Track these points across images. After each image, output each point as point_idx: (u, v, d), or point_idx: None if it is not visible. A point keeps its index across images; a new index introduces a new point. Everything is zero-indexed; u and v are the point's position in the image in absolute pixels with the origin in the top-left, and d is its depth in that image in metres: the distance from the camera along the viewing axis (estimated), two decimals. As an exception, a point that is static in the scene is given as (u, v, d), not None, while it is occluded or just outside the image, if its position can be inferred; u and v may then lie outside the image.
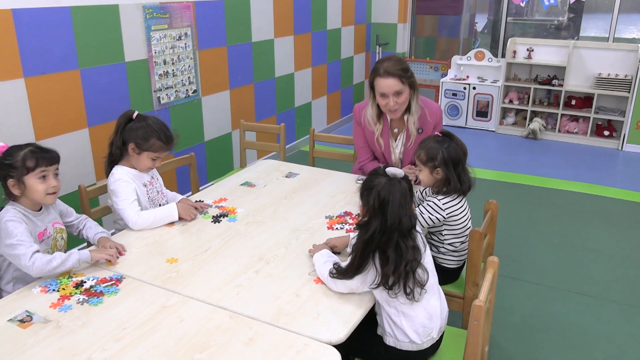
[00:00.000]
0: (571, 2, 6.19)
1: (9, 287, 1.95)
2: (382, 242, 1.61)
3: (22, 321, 1.61)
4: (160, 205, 2.42)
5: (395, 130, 2.76)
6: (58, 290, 1.77)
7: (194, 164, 3.05)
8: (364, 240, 1.62)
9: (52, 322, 1.61)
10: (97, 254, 1.91)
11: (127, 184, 2.26)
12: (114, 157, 2.32)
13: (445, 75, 6.60)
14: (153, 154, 2.29)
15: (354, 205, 2.43)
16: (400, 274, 1.60)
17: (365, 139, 2.82)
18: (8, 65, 2.73)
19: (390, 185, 1.62)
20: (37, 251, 1.83)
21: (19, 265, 1.83)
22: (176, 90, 3.80)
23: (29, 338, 1.54)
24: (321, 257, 1.85)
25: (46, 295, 1.75)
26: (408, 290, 1.63)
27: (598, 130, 5.82)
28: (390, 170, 1.66)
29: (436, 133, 2.22)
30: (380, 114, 2.71)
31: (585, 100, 5.84)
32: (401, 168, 2.73)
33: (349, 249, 1.94)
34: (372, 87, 2.62)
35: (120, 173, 2.29)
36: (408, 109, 2.66)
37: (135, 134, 2.25)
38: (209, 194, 2.58)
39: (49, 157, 1.94)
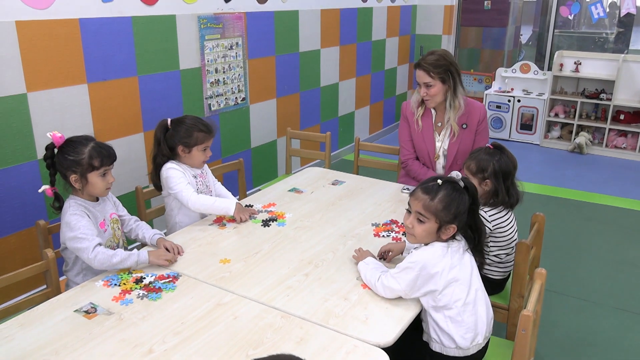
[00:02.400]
0: (621, 15, 6.08)
1: (78, 278, 2.07)
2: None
3: (87, 312, 1.72)
4: None
5: (439, 124, 2.88)
6: (119, 285, 1.87)
7: (242, 169, 3.14)
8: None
9: (114, 314, 1.71)
10: (155, 258, 1.99)
11: (178, 171, 2.39)
12: (160, 167, 2.43)
13: (490, 87, 6.57)
14: (201, 145, 2.41)
15: (400, 214, 2.47)
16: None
17: (409, 134, 2.95)
18: (74, 72, 2.89)
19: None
20: (100, 244, 1.94)
21: (82, 257, 1.95)
22: (226, 98, 3.92)
23: (94, 328, 1.64)
24: (366, 265, 1.90)
25: (108, 289, 1.85)
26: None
27: (648, 146, 5.68)
28: (451, 175, 1.74)
29: (487, 145, 2.25)
30: (424, 102, 2.88)
31: (634, 115, 5.71)
32: (445, 163, 2.91)
33: (404, 254, 2.00)
34: None
35: (171, 165, 2.41)
36: (450, 107, 2.80)
37: (178, 136, 2.38)
38: (258, 199, 2.67)
39: (112, 156, 2.06)
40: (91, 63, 2.96)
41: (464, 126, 2.81)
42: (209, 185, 2.55)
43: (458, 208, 1.69)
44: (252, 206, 2.55)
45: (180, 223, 2.44)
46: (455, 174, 1.77)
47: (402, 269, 1.73)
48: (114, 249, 2.03)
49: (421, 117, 2.88)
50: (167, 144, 2.39)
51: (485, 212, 2.19)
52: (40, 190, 2.01)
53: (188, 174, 2.43)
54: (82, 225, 1.95)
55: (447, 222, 1.70)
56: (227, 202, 2.39)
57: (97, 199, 2.11)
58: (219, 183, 2.67)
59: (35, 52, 2.70)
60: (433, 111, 2.87)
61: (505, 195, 2.18)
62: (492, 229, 2.19)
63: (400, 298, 1.76)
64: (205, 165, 2.57)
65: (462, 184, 1.73)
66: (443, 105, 2.82)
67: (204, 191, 2.51)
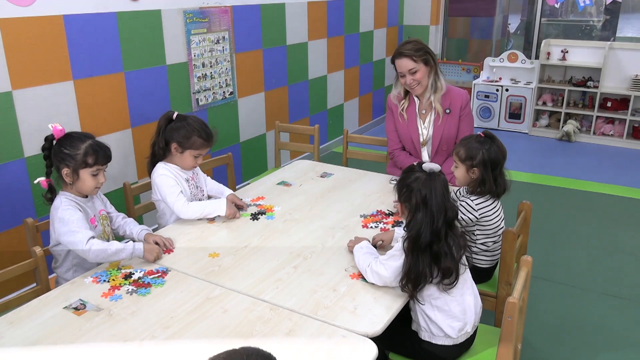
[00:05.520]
0: (607, 3, 6.11)
1: (69, 274, 2.07)
2: (431, 238, 1.66)
3: (76, 309, 1.72)
4: (199, 200, 2.52)
5: (424, 111, 2.89)
6: (108, 281, 1.87)
7: (231, 163, 3.14)
8: (412, 236, 1.67)
9: (104, 310, 1.71)
10: (149, 254, 1.99)
11: (170, 178, 2.37)
12: (157, 157, 2.43)
13: (478, 77, 6.59)
14: (195, 151, 2.39)
15: (388, 205, 2.48)
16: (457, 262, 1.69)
17: (395, 125, 2.97)
18: (59, 69, 2.87)
19: (430, 180, 1.69)
20: (93, 237, 1.95)
21: (77, 251, 1.95)
22: (214, 92, 3.91)
23: (83, 324, 1.64)
24: (361, 249, 1.92)
25: (98, 286, 1.85)
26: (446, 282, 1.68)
27: (635, 133, 5.72)
28: (426, 165, 1.73)
29: (479, 133, 2.25)
30: (407, 93, 2.89)
31: (621, 102, 5.76)
32: (430, 150, 2.91)
33: (393, 243, 2.02)
34: (396, 70, 2.84)
35: (163, 169, 2.39)
36: (432, 88, 2.82)
37: (177, 133, 2.36)
38: (247, 193, 2.67)
39: (107, 156, 2.06)
40: (77, 60, 2.94)
41: (447, 111, 2.84)
42: (199, 186, 2.54)
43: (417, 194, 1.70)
44: (241, 200, 2.55)
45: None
46: (433, 166, 1.77)
47: (389, 256, 1.75)
48: None
49: (405, 109, 2.90)
50: (165, 137, 2.37)
51: (471, 200, 2.21)
52: (36, 182, 2.03)
53: (180, 178, 2.42)
54: (75, 219, 1.96)
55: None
56: (216, 205, 2.35)
57: (87, 196, 2.12)
58: (209, 178, 2.66)
59: (20, 49, 2.68)
60: (416, 99, 2.88)
61: (493, 184, 2.19)
62: (478, 217, 2.21)
63: (388, 287, 1.78)
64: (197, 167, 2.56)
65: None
66: (426, 90, 2.85)
67: (196, 193, 2.51)
